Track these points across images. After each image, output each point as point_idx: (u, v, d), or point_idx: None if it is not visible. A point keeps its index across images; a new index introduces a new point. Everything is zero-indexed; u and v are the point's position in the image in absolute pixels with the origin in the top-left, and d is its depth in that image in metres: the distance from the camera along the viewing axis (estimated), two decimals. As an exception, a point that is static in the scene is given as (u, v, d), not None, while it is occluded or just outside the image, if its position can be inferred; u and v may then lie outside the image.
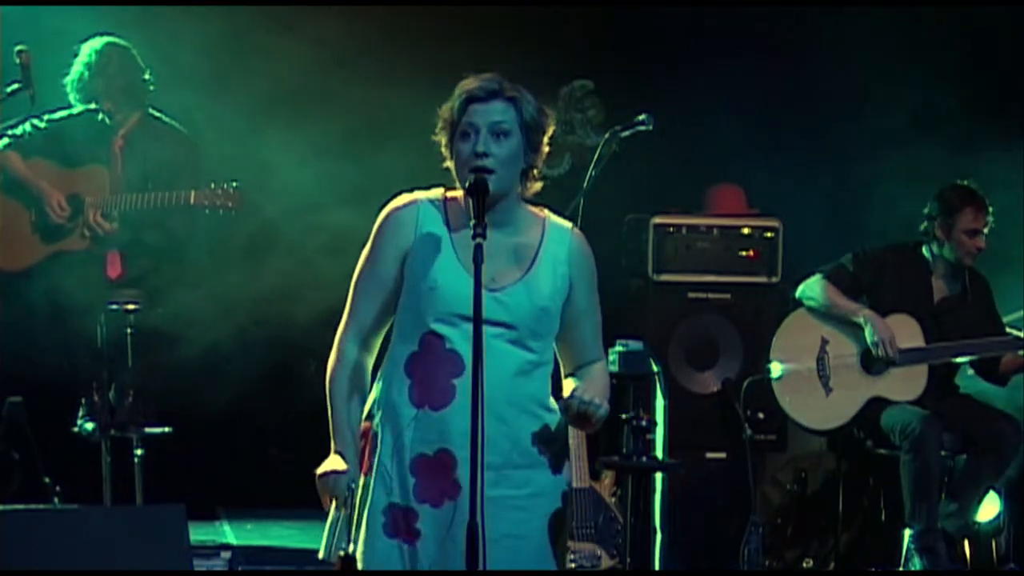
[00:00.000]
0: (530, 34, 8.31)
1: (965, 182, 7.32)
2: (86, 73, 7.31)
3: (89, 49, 7.33)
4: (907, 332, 7.21)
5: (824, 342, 7.30)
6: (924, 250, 7.36)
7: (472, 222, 3.95)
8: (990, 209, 7.26)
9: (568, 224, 4.20)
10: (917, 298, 7.29)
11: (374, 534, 4.04)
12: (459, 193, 4.12)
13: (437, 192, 4.15)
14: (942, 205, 7.26)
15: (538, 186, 4.13)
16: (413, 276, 4.05)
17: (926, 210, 7.31)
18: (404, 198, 4.15)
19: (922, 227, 7.33)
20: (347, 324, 4.14)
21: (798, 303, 7.39)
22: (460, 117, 4.02)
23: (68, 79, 7.33)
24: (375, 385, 4.14)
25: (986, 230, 7.24)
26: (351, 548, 4.04)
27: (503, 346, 4.01)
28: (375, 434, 4.09)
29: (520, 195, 4.12)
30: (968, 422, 7.18)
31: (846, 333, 7.28)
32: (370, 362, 4.15)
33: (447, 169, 4.12)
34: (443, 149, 4.10)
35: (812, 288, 7.32)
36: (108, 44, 7.34)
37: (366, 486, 4.08)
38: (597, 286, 4.21)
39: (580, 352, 4.19)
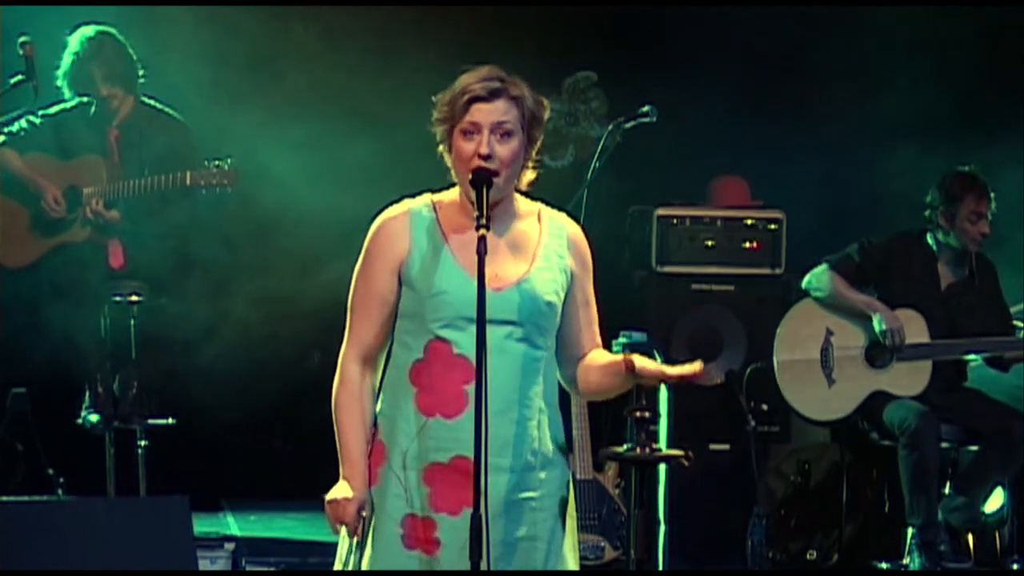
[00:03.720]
0: (534, 25, 8.31)
1: (967, 168, 7.32)
2: (79, 61, 7.27)
3: (80, 36, 7.29)
4: (913, 327, 7.20)
5: (829, 333, 7.29)
6: (929, 237, 7.35)
7: (476, 215, 3.91)
8: (992, 195, 7.24)
9: (564, 216, 4.17)
10: (925, 286, 7.28)
11: (391, 547, 3.99)
12: (448, 196, 4.09)
13: (425, 199, 4.10)
14: (943, 193, 7.25)
15: (532, 175, 4.09)
16: (413, 284, 4.00)
17: (928, 199, 7.30)
18: (393, 209, 4.09)
19: (926, 215, 7.33)
20: (348, 344, 4.06)
21: (804, 293, 7.38)
22: (462, 115, 3.97)
23: (60, 70, 7.29)
24: (379, 395, 4.08)
25: (989, 215, 7.23)
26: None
27: (512, 345, 3.98)
28: (382, 445, 4.03)
29: (515, 188, 4.08)
30: (975, 417, 7.18)
31: (851, 325, 7.27)
32: (375, 379, 4.08)
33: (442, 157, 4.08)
34: (439, 141, 4.05)
35: (819, 278, 7.30)
36: (99, 32, 7.32)
37: (374, 496, 4.02)
38: (594, 277, 4.18)
39: (584, 342, 4.14)
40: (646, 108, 6.52)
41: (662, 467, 7.01)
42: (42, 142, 7.34)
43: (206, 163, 7.18)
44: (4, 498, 5.80)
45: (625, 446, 6.31)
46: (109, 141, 7.37)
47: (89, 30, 7.30)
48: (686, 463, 6.40)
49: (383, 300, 4.04)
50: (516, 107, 3.99)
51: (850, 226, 7.97)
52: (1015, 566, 7.35)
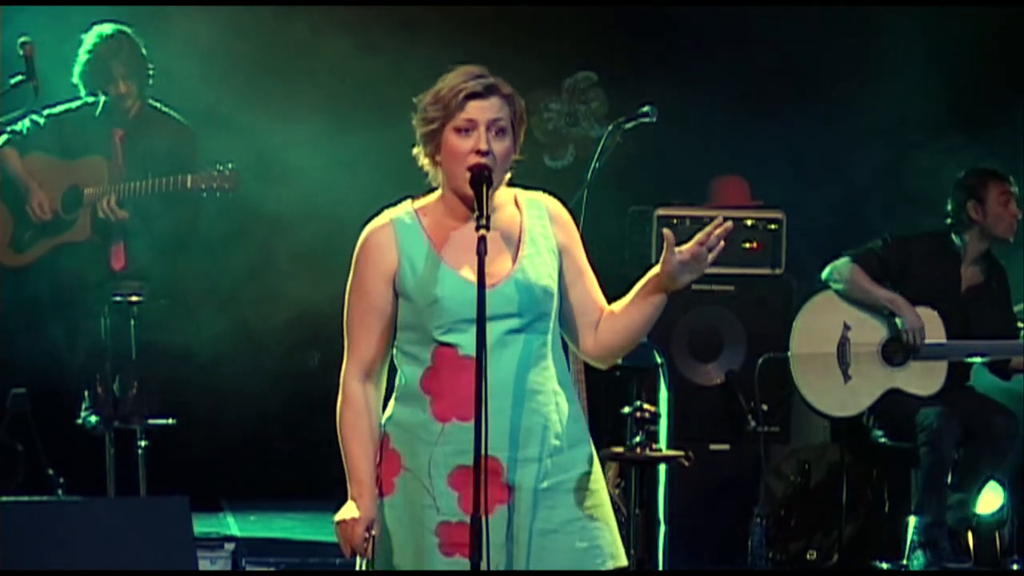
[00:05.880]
0: (533, 25, 8.31)
1: (982, 166, 7.33)
2: (96, 58, 7.27)
3: (97, 33, 7.30)
4: (931, 327, 7.19)
5: (846, 327, 7.28)
6: (954, 237, 7.34)
7: (476, 215, 3.90)
8: (1011, 179, 7.25)
9: (538, 193, 4.15)
10: (945, 288, 7.27)
11: (430, 557, 3.96)
12: (430, 200, 4.07)
13: (406, 206, 4.08)
14: (968, 189, 7.25)
15: (509, 174, 4.06)
16: (409, 295, 3.98)
17: (950, 201, 7.30)
18: (376, 221, 4.06)
19: (949, 220, 7.31)
20: (349, 362, 4.05)
21: (822, 285, 7.35)
22: (457, 112, 3.95)
23: (76, 67, 7.29)
24: (386, 406, 4.06)
25: (1015, 199, 7.23)
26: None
27: (516, 337, 3.97)
28: (395, 453, 4.01)
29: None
30: (968, 414, 7.18)
31: (869, 320, 7.26)
32: (379, 395, 4.06)
33: (416, 157, 4.04)
34: (423, 142, 4.01)
35: (840, 271, 7.28)
36: (118, 30, 7.32)
37: (391, 507, 4.01)
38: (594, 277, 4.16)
39: (593, 308, 4.09)
40: (646, 108, 6.51)
41: (662, 467, 7.02)
42: (44, 142, 7.34)
43: (208, 168, 7.19)
44: (4, 498, 5.80)
45: (625, 446, 6.34)
46: (114, 142, 7.37)
47: (107, 28, 7.30)
48: (686, 463, 6.42)
49: (380, 312, 4.02)
50: (508, 105, 3.99)
51: (851, 226, 7.97)
52: (1015, 566, 7.35)
